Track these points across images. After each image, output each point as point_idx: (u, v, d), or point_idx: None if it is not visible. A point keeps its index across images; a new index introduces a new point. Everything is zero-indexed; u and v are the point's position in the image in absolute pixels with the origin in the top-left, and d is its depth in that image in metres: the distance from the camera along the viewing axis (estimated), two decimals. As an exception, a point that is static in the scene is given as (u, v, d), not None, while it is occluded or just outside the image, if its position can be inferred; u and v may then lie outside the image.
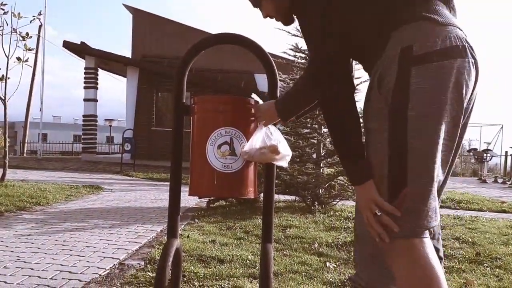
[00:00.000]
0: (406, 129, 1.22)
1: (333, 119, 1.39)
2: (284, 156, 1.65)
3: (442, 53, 1.21)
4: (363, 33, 1.37)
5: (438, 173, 1.26)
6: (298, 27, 6.77)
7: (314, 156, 6.55)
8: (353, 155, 1.34)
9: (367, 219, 1.30)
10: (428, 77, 1.21)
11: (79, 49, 16.90)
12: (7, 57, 7.72)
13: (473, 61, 1.25)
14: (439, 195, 1.36)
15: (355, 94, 1.40)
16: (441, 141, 1.22)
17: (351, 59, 1.47)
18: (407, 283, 1.25)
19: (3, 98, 7.54)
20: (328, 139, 6.39)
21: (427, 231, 1.27)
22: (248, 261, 3.21)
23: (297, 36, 6.67)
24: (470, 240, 4.19)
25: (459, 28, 1.28)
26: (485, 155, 15.75)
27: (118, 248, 3.60)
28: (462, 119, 1.27)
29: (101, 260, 3.23)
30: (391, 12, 1.31)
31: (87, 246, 3.64)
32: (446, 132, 1.24)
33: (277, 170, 5.93)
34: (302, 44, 6.80)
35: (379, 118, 1.29)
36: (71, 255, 3.34)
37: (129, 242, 3.87)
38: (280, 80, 1.94)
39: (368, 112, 1.35)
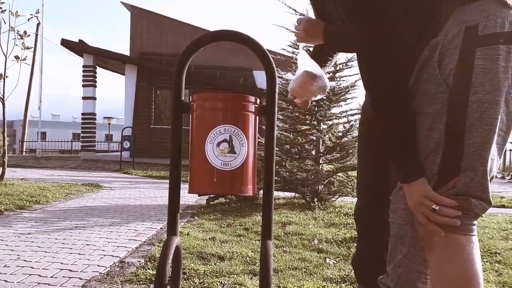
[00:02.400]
0: (466, 116, 1.13)
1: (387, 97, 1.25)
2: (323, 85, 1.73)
3: (510, 36, 1.11)
4: (421, 8, 1.29)
5: (492, 167, 1.18)
6: (295, 23, 6.77)
7: (313, 152, 6.55)
8: (409, 148, 1.23)
9: (425, 216, 1.21)
10: (494, 60, 1.10)
11: (77, 47, 16.88)
12: (5, 56, 7.71)
13: None
14: None
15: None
16: (498, 132, 1.14)
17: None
18: (442, 280, 1.19)
19: (2, 97, 7.54)
20: (327, 136, 6.40)
21: (474, 229, 1.21)
22: (248, 258, 3.22)
23: (295, 32, 6.65)
24: (469, 235, 4.20)
25: None
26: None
27: (118, 246, 3.61)
28: None
29: (101, 258, 3.23)
30: None
31: (87, 244, 3.64)
32: (505, 123, 1.15)
33: (277, 166, 5.94)
34: (301, 41, 6.79)
35: (436, 102, 1.17)
36: (71, 253, 3.35)
37: (129, 240, 3.87)
38: (278, 77, 1.94)
39: (421, 95, 1.22)
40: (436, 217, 1.19)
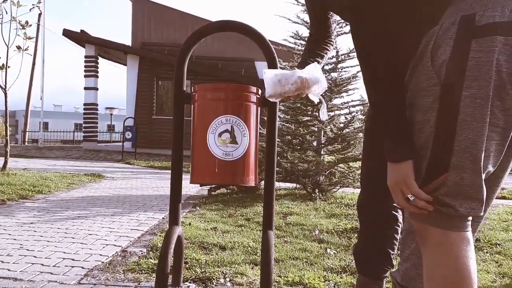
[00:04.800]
0: (458, 111, 1.08)
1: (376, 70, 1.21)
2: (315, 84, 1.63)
3: (509, 26, 1.04)
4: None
5: (488, 164, 1.13)
6: (298, 14, 6.78)
7: (315, 143, 6.55)
8: (403, 127, 1.18)
9: (397, 201, 1.21)
10: (490, 53, 1.04)
11: (79, 38, 16.87)
12: (7, 46, 7.70)
13: None
14: (491, 187, 1.24)
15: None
16: (492, 128, 1.08)
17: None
18: (433, 278, 1.17)
19: (4, 87, 7.54)
20: (328, 127, 6.40)
21: (468, 225, 1.17)
22: (249, 248, 3.24)
23: (297, 23, 6.64)
24: (470, 226, 4.21)
25: None
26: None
27: (120, 236, 3.63)
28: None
29: (103, 247, 3.25)
30: None
31: (89, 234, 3.66)
32: (501, 119, 1.08)
33: (278, 157, 5.94)
34: (303, 32, 6.78)
35: (427, 95, 1.14)
36: (73, 242, 3.37)
37: (131, 229, 3.89)
38: (280, 68, 1.94)
39: (414, 87, 1.19)
40: (407, 205, 1.19)
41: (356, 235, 3.75)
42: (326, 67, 6.60)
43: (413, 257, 1.33)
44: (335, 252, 3.28)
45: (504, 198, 7.07)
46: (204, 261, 2.88)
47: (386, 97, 1.20)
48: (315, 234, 3.82)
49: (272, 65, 1.75)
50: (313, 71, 1.60)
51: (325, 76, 6.52)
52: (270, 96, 1.56)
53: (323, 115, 1.74)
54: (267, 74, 1.53)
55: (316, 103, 6.11)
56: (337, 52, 6.44)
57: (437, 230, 1.16)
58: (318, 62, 1.91)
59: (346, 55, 6.53)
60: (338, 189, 6.31)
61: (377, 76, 1.22)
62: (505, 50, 1.05)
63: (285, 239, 3.61)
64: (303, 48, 6.67)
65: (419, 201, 1.16)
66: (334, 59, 6.48)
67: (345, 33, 6.24)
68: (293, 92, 1.59)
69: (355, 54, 6.50)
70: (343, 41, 16.98)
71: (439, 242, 1.17)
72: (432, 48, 1.13)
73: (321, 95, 1.68)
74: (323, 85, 1.65)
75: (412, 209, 1.19)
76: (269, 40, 1.75)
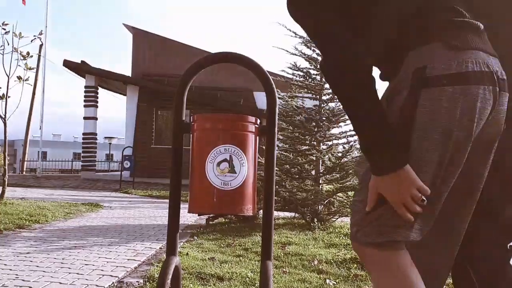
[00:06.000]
0: (409, 152, 1.19)
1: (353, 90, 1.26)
2: None
3: (455, 77, 1.17)
4: (379, 54, 1.35)
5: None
6: (296, 46, 6.89)
7: (313, 172, 6.56)
8: (389, 134, 1.21)
9: (406, 206, 1.19)
10: (436, 101, 1.17)
11: (80, 68, 17.03)
12: (8, 76, 7.77)
13: (494, 88, 1.20)
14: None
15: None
16: (442, 166, 1.19)
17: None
18: None
19: (3, 116, 7.57)
20: (326, 156, 6.42)
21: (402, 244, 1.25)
22: (247, 279, 3.20)
23: (295, 54, 6.74)
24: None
25: (490, 54, 1.23)
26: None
27: (117, 266, 3.59)
28: (468, 145, 1.21)
29: (100, 278, 3.21)
30: (404, 35, 1.28)
31: (86, 264, 3.62)
32: (448, 158, 1.18)
33: (276, 186, 5.94)
34: (301, 63, 6.88)
35: None
36: (69, 273, 3.33)
37: (128, 259, 3.85)
38: (279, 98, 1.97)
39: None
40: (416, 208, 1.18)
41: (355, 265, 3.71)
42: (324, 98, 6.68)
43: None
44: (334, 283, 3.24)
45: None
46: (202, 292, 2.85)
47: (366, 114, 1.23)
48: (314, 265, 3.78)
49: (270, 95, 1.78)
50: None
51: (323, 106, 6.60)
52: None
53: None
54: None
55: (314, 132, 6.12)
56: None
57: (376, 248, 1.25)
58: None
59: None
60: (337, 218, 6.28)
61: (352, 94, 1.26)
62: (450, 99, 1.17)
63: (284, 270, 3.57)
64: (301, 79, 6.76)
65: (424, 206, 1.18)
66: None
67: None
68: None
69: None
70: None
71: (380, 261, 1.26)
72: (390, 95, 1.28)
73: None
74: None
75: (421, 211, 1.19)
76: (268, 71, 1.78)
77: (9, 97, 7.66)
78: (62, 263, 3.65)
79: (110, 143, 28.72)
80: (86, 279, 3.16)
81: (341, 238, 5.07)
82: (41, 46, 20.37)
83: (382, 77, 1.41)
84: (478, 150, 1.29)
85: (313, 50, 6.66)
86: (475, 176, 1.35)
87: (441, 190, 1.22)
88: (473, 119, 1.18)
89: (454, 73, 1.17)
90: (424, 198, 1.17)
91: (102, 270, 3.45)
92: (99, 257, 3.91)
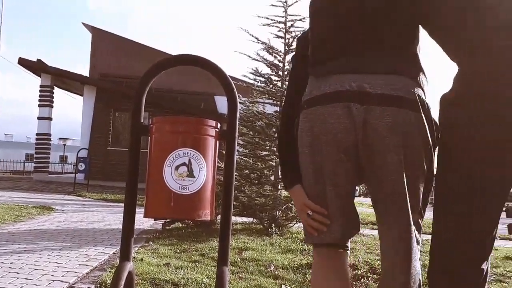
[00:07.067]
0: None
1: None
2: None
3: (310, 101, 1.46)
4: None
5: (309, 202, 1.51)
6: (259, 52, 6.92)
7: (272, 178, 6.58)
8: (284, 163, 1.67)
9: (303, 219, 1.52)
10: (303, 122, 1.48)
11: (35, 67, 16.50)
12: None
13: (352, 105, 1.36)
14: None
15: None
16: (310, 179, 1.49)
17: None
18: None
19: (-50, 113, 7.22)
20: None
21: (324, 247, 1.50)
22: (203, 285, 3.16)
23: (257, 60, 6.77)
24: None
25: (361, 73, 1.39)
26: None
27: (68, 271, 3.47)
28: (324, 162, 1.43)
29: (49, 283, 3.10)
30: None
31: (35, 269, 3.49)
32: (311, 174, 1.47)
33: (236, 191, 5.92)
34: (262, 69, 6.90)
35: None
36: (18, 278, 3.20)
37: (79, 265, 3.74)
38: (240, 103, 1.95)
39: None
40: (309, 221, 1.48)
41: (310, 270, 3.74)
42: (284, 104, 6.71)
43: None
44: (291, 288, 3.25)
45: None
46: (156, 298, 2.79)
47: (278, 151, 1.77)
48: (271, 270, 3.78)
49: (231, 98, 1.76)
50: None
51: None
52: None
53: None
54: None
55: (274, 138, 6.14)
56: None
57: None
58: None
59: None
60: (294, 224, 6.32)
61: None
62: (308, 118, 1.46)
63: (240, 275, 3.56)
64: (262, 84, 6.79)
65: (316, 216, 1.47)
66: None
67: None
68: None
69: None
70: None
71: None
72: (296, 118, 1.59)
73: None
74: None
75: (314, 224, 1.48)
76: (229, 76, 1.77)
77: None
78: (10, 267, 3.50)
79: (64, 144, 27.98)
80: (36, 285, 3.04)
81: (297, 243, 5.10)
82: (-7, 41, 19.64)
83: None
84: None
85: (275, 57, 6.72)
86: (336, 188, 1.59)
87: (325, 195, 1.49)
88: (321, 136, 1.44)
89: (310, 98, 1.47)
90: (309, 213, 1.47)
91: (52, 275, 3.33)
92: (50, 262, 3.77)
